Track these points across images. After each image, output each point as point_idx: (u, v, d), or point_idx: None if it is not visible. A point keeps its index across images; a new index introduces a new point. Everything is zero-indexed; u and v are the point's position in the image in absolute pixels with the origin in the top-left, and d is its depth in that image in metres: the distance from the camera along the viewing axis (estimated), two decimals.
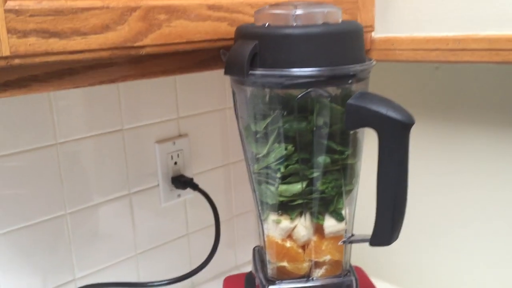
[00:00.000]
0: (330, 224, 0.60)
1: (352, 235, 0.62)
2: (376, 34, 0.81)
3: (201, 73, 0.88)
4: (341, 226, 0.60)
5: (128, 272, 0.88)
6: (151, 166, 0.88)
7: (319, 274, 0.61)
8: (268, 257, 0.61)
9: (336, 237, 0.60)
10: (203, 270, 0.84)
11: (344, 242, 0.61)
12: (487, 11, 0.71)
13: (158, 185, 0.90)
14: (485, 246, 0.83)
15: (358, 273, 0.71)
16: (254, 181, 0.59)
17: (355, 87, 0.58)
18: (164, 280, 0.82)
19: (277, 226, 0.59)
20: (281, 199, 0.58)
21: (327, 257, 0.61)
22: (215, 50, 0.62)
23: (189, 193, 0.92)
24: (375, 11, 0.80)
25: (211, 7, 0.59)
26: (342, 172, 0.59)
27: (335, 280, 0.61)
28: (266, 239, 0.60)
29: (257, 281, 0.62)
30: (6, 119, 0.70)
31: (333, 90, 0.57)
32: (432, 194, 0.88)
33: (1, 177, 0.70)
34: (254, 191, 0.60)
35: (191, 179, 0.91)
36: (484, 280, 0.84)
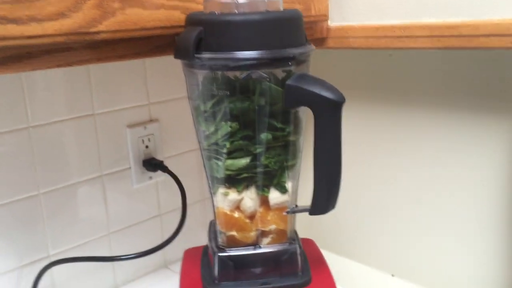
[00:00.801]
0: (274, 196, 0.65)
1: (296, 206, 0.67)
2: (332, 23, 0.87)
3: (171, 60, 0.93)
4: (284, 197, 0.65)
5: (101, 250, 0.93)
6: (123, 149, 0.93)
7: (266, 242, 0.67)
8: (218, 227, 0.66)
9: (280, 208, 0.66)
10: (177, 249, 0.90)
11: (288, 212, 0.66)
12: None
13: (130, 167, 0.95)
14: (427, 220, 0.89)
15: (309, 244, 0.77)
16: (204, 157, 0.65)
17: (296, 70, 0.63)
18: (132, 254, 0.87)
19: (225, 198, 0.65)
20: (228, 173, 0.63)
21: (273, 227, 0.66)
22: (170, 37, 0.67)
23: (160, 175, 0.97)
24: (330, 1, 0.86)
25: None
26: (285, 148, 0.64)
27: (281, 247, 0.66)
28: (216, 210, 0.66)
29: (209, 250, 0.68)
30: None
31: (275, 72, 0.62)
32: (383, 173, 0.94)
33: None
34: (204, 166, 0.66)
35: (161, 162, 0.96)
36: (432, 251, 0.90)
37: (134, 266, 0.97)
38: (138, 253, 0.87)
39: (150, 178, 0.97)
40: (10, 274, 0.82)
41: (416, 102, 0.87)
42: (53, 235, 0.85)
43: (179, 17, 0.66)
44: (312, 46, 0.63)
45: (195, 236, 1.02)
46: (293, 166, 0.65)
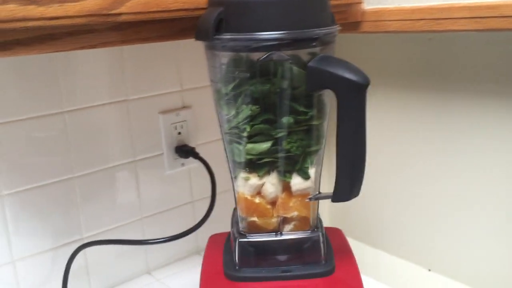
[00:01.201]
0: (296, 182, 0.64)
1: (319, 192, 0.65)
2: (368, 6, 0.84)
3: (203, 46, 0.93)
4: (307, 184, 0.64)
5: (134, 234, 0.94)
6: (156, 135, 0.94)
7: (288, 229, 0.65)
8: (239, 212, 0.65)
9: (303, 194, 0.64)
10: (208, 236, 0.90)
11: (310, 199, 0.64)
12: None
13: (162, 153, 0.95)
14: (466, 214, 0.85)
15: (336, 234, 0.75)
16: (225, 141, 0.64)
17: (321, 52, 0.61)
18: (161, 238, 0.88)
19: (246, 183, 0.63)
20: (249, 157, 0.62)
21: (295, 213, 0.64)
22: (194, 19, 0.66)
23: (192, 162, 0.98)
24: None
25: None
26: (307, 133, 0.62)
27: (303, 235, 0.65)
28: (237, 195, 0.65)
29: (231, 236, 0.67)
30: (18, 87, 0.77)
31: (298, 54, 0.60)
32: (422, 164, 0.90)
33: (14, 142, 0.78)
34: (225, 150, 0.65)
35: (193, 148, 0.96)
36: (470, 246, 0.86)
37: (165, 252, 0.98)
38: (167, 237, 0.87)
39: (183, 164, 0.97)
40: (46, 254, 0.84)
41: (458, 89, 0.83)
42: (87, 218, 0.87)
43: None
44: (338, 27, 0.61)
45: (227, 223, 1.02)
46: (316, 151, 0.63)
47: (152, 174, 0.95)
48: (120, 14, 0.59)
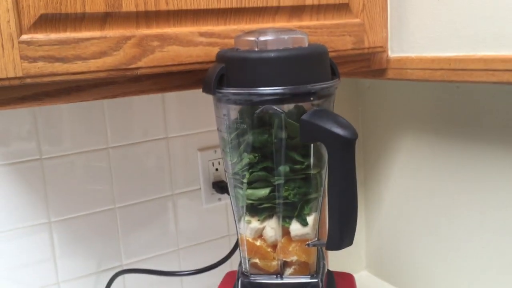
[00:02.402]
0: (295, 227, 0.67)
1: (318, 239, 0.68)
2: (392, 54, 0.86)
3: None
4: (305, 230, 0.67)
5: (170, 264, 1.01)
6: (194, 171, 1.01)
7: (288, 273, 0.69)
8: (242, 253, 0.70)
9: (301, 240, 0.67)
10: None
11: (308, 245, 0.67)
12: (484, 31, 0.72)
13: (200, 188, 1.02)
14: (487, 253, 0.83)
15: (346, 279, 0.76)
16: (230, 185, 0.69)
17: (322, 103, 0.65)
18: (192, 270, 0.93)
19: (248, 226, 0.68)
20: (249, 201, 0.66)
21: (294, 258, 0.68)
22: None
23: (228, 198, 1.03)
24: (390, 32, 0.85)
25: (202, 34, 0.70)
26: (305, 181, 0.66)
27: (303, 279, 0.68)
28: (239, 237, 0.70)
29: (236, 275, 0.71)
30: (68, 124, 0.88)
31: (296, 106, 0.64)
32: (447, 210, 0.90)
33: (62, 174, 0.88)
34: (229, 194, 0.70)
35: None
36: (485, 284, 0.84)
37: (201, 283, 1.03)
38: (198, 269, 0.93)
39: (219, 199, 1.03)
40: (88, 277, 0.93)
41: (483, 137, 0.82)
42: (127, 247, 0.95)
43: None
44: (337, 81, 0.64)
45: None
46: (314, 199, 0.66)
47: (190, 208, 1.01)
48: (138, 68, 0.66)
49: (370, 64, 0.85)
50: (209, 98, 0.86)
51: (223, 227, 1.04)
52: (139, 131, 0.93)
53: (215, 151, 1.01)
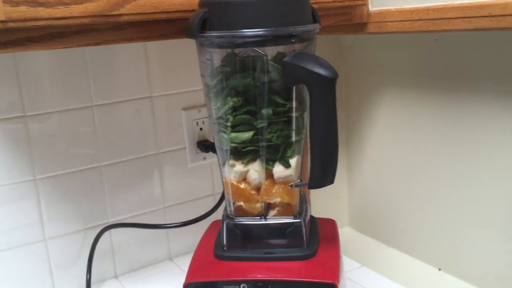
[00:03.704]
0: (278, 170, 0.69)
1: (300, 180, 0.70)
2: (373, 8, 0.88)
3: None
4: (288, 172, 0.69)
5: (156, 222, 1.03)
6: (178, 130, 1.02)
7: (272, 214, 0.71)
8: (227, 196, 0.72)
9: (285, 182, 0.69)
10: None
11: (291, 186, 0.69)
12: None
13: (185, 147, 1.03)
14: (478, 214, 0.86)
15: (328, 223, 0.79)
16: (213, 130, 0.71)
17: (303, 48, 0.66)
18: (180, 222, 0.95)
19: (232, 170, 0.70)
20: (233, 145, 0.68)
21: (278, 199, 0.70)
22: None
23: (213, 157, 1.05)
24: None
25: None
26: (288, 124, 0.68)
27: (286, 220, 0.70)
28: (224, 180, 0.71)
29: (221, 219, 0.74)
30: (53, 82, 0.88)
31: (277, 49, 0.66)
32: (430, 163, 0.92)
33: (47, 132, 0.88)
34: (214, 139, 0.71)
35: (213, 143, 1.03)
36: (481, 246, 0.87)
37: (187, 240, 1.05)
38: (186, 221, 0.94)
39: (204, 158, 1.04)
40: (75, 235, 0.94)
41: (464, 89, 0.84)
42: (113, 205, 0.96)
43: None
44: (317, 25, 0.66)
45: None
46: (297, 141, 0.68)
47: (175, 166, 1.02)
48: (120, 15, 0.67)
49: (351, 17, 0.87)
50: (193, 56, 0.88)
51: (208, 185, 1.06)
52: (123, 90, 0.94)
53: (199, 110, 1.02)
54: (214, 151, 0.97)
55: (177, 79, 0.98)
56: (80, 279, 0.94)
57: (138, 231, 0.98)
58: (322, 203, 1.06)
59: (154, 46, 0.94)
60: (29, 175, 0.87)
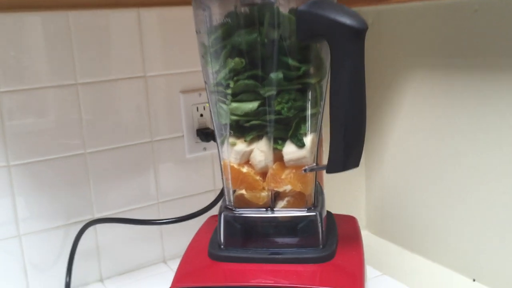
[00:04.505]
0: (289, 150, 0.55)
1: (316, 164, 0.56)
2: None
3: None
4: (301, 153, 0.54)
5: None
6: (176, 116, 0.88)
7: (281, 206, 0.56)
8: (225, 183, 0.57)
9: (297, 165, 0.55)
10: None
11: (305, 170, 0.55)
12: None
13: (182, 135, 0.89)
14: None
15: (348, 220, 0.64)
16: (211, 102, 0.56)
17: None
18: (172, 218, 0.81)
19: (232, 149, 0.55)
20: (234, 118, 0.54)
21: (288, 187, 0.55)
22: None
23: (215, 147, 0.90)
24: None
25: None
26: (302, 93, 0.53)
27: (297, 213, 0.55)
28: (222, 163, 0.57)
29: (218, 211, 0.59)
30: (33, 55, 0.74)
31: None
32: (463, 156, 0.78)
33: (23, 111, 0.75)
34: (211, 112, 0.57)
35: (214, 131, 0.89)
36: (509, 256, 0.72)
37: (184, 240, 0.90)
38: (178, 217, 0.80)
39: (204, 149, 0.90)
40: (55, 230, 0.80)
41: (507, 69, 0.70)
42: (99, 198, 0.82)
43: None
44: None
45: None
46: (313, 116, 0.54)
47: (171, 157, 0.89)
48: None
49: None
50: (192, 31, 0.74)
51: (209, 180, 0.92)
52: (113, 67, 0.81)
53: (200, 94, 0.88)
54: (215, 139, 0.83)
55: (176, 57, 0.85)
56: (60, 282, 0.81)
57: (127, 228, 0.85)
58: (335, 202, 0.91)
59: (150, 17, 0.80)
60: (2, 160, 0.73)
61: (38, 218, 0.78)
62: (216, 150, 0.87)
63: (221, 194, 0.78)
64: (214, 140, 0.85)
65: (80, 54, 0.77)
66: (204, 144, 0.90)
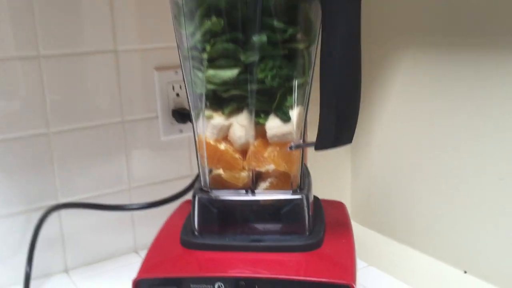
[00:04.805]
0: (273, 125, 0.48)
1: (303, 140, 0.49)
2: None
3: None
4: (287, 128, 0.48)
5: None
6: (150, 95, 0.81)
7: (263, 188, 0.50)
8: (201, 162, 0.50)
9: (281, 142, 0.48)
10: None
11: (290, 148, 0.48)
12: None
13: (157, 116, 0.82)
14: (508, 213, 0.66)
15: (336, 206, 0.58)
16: (184, 70, 0.49)
17: None
18: (144, 203, 0.75)
19: (208, 123, 0.48)
20: (210, 87, 0.47)
21: (271, 167, 0.49)
22: None
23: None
24: None
25: None
26: (289, 60, 0.47)
27: (281, 196, 0.49)
28: (197, 139, 0.50)
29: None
30: None
31: None
32: (456, 141, 0.72)
33: None
34: (184, 82, 0.50)
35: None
36: (501, 248, 0.67)
37: (156, 230, 0.83)
38: (150, 203, 0.73)
39: (181, 131, 0.83)
40: (15, 217, 0.73)
41: (502, 47, 0.64)
42: (64, 182, 0.75)
43: None
44: None
45: None
46: (300, 86, 0.48)
47: (144, 139, 0.82)
48: None
49: None
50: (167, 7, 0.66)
51: (185, 164, 0.85)
52: (81, 39, 0.73)
53: (176, 72, 0.81)
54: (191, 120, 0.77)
55: (151, 31, 0.78)
56: (19, 272, 0.72)
57: (95, 215, 0.77)
58: (319, 189, 0.84)
59: None
60: None
61: None
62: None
63: (197, 177, 0.71)
64: (191, 121, 0.78)
65: (43, 22, 0.69)
66: (181, 126, 0.83)
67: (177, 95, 0.82)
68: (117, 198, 0.80)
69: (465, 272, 0.75)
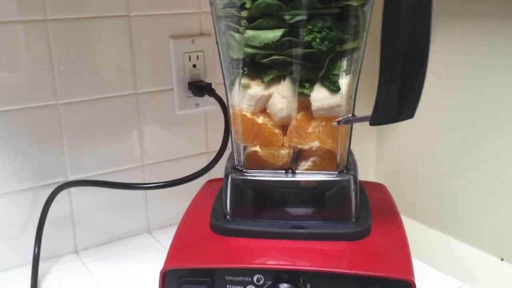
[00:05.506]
0: (319, 96, 0.41)
1: (353, 115, 0.42)
2: None
3: None
4: (335, 100, 0.41)
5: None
6: (164, 66, 0.74)
7: (305, 168, 0.43)
8: (235, 138, 0.43)
9: (328, 116, 0.41)
10: None
11: (338, 122, 0.41)
12: None
13: (172, 89, 0.75)
14: None
15: (378, 189, 0.51)
16: (218, 31, 0.42)
17: None
18: (160, 182, 0.69)
19: (245, 93, 0.41)
20: (249, 50, 0.40)
21: (315, 144, 0.42)
22: None
23: (210, 104, 0.77)
24: None
25: None
26: (340, 21, 0.39)
27: (326, 177, 0.42)
28: (232, 111, 0.43)
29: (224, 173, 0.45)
30: None
31: None
32: (494, 117, 0.65)
33: None
34: (218, 46, 0.43)
35: (209, 84, 0.75)
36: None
37: (172, 209, 0.78)
38: (166, 182, 0.66)
39: (197, 105, 0.77)
40: (22, 194, 0.68)
41: None
42: (74, 158, 0.70)
43: None
44: None
45: None
46: (352, 51, 0.40)
47: (159, 113, 0.75)
48: None
49: None
50: None
51: (201, 141, 0.79)
52: (90, 2, 0.67)
53: (193, 40, 0.75)
54: (211, 94, 0.70)
55: None
56: (27, 253, 0.68)
57: (107, 193, 0.72)
58: None
59: None
60: None
61: (1, 179, 0.65)
62: (210, 107, 0.75)
63: (217, 159, 0.64)
64: (210, 94, 0.71)
65: None
66: (197, 99, 0.77)
67: (194, 66, 0.75)
68: (129, 176, 0.75)
69: (502, 259, 0.69)
